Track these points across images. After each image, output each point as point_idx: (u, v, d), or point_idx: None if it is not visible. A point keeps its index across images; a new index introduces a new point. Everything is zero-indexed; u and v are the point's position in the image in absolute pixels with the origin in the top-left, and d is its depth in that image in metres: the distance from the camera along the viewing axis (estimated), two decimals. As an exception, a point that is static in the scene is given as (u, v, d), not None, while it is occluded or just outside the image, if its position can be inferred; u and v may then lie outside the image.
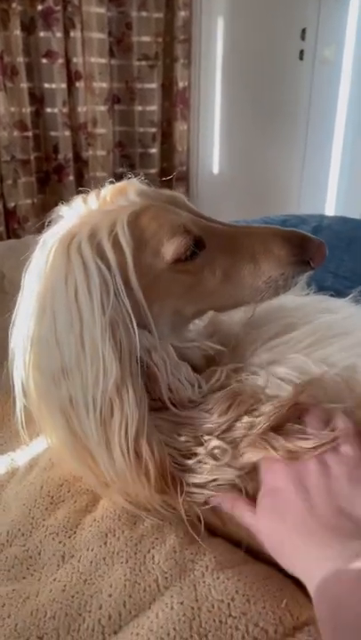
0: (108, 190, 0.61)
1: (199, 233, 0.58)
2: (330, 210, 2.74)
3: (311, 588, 0.46)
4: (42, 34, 2.78)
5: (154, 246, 0.56)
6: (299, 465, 0.52)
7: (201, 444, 0.56)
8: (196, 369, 0.62)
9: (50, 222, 0.62)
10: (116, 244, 0.55)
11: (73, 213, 0.60)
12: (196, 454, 0.56)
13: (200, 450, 0.56)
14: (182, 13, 3.12)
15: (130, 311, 0.54)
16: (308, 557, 0.47)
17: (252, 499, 0.54)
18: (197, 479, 0.55)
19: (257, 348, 0.64)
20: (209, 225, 0.60)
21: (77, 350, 0.54)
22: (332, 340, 0.64)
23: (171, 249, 0.56)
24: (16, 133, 2.82)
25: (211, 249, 0.58)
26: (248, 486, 0.55)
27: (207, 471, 0.55)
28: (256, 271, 0.59)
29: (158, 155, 3.34)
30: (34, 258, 0.61)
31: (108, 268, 0.55)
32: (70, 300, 0.54)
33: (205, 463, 0.55)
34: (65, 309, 0.55)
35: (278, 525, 0.50)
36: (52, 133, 2.96)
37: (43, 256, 0.59)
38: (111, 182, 0.63)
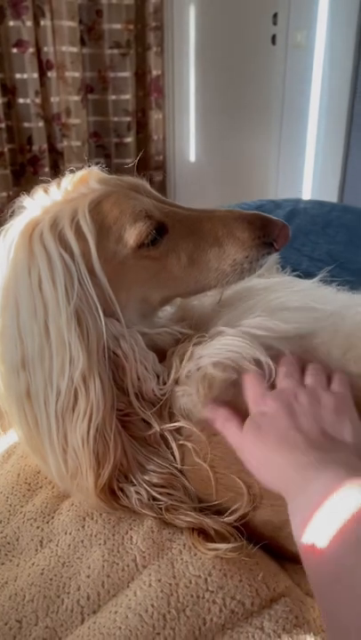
0: (69, 180, 0.61)
1: (161, 218, 0.58)
2: (306, 194, 2.75)
3: (290, 507, 0.47)
4: (11, 23, 2.73)
5: (116, 232, 0.56)
6: (288, 394, 0.54)
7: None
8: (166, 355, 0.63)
9: (12, 214, 0.62)
10: (79, 232, 0.55)
11: (35, 204, 0.60)
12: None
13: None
14: (153, 0, 3.08)
15: (95, 299, 0.54)
16: (287, 470, 0.49)
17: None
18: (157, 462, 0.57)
19: (220, 320, 0.64)
20: (171, 210, 0.60)
21: (41, 340, 0.54)
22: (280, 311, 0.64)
23: (133, 234, 0.56)
24: (-12, 126, 2.78)
25: (174, 234, 0.59)
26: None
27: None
28: (221, 254, 0.60)
29: (134, 144, 3.31)
30: None
31: (72, 256, 0.54)
32: (34, 290, 0.54)
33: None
34: (28, 300, 0.55)
35: (262, 442, 0.52)
36: (26, 124, 2.92)
37: (4, 248, 0.59)
38: (71, 171, 0.62)
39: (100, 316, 0.55)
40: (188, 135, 3.36)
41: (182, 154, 3.41)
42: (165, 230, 0.58)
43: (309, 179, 2.74)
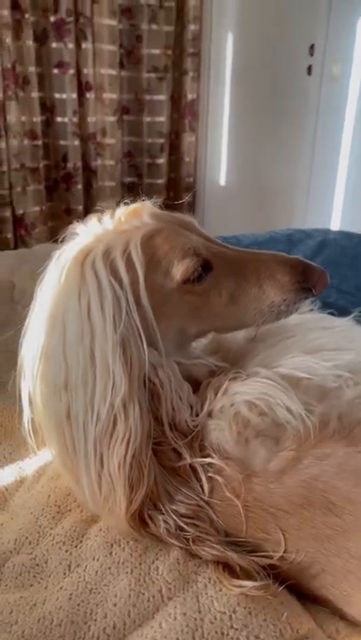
0: (123, 211, 0.63)
1: (208, 256, 0.60)
2: (335, 224, 2.76)
3: None
4: (54, 45, 2.82)
5: (165, 267, 0.58)
6: None
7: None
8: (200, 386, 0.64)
9: (63, 239, 0.64)
10: (130, 263, 0.57)
11: (87, 231, 0.62)
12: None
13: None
14: (192, 27, 3.16)
15: (140, 329, 0.56)
16: None
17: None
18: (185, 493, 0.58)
19: (256, 356, 0.65)
20: (217, 249, 0.62)
21: (86, 364, 0.56)
22: (317, 351, 0.65)
23: (180, 270, 0.58)
24: (26, 142, 2.85)
25: (218, 272, 0.61)
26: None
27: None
28: (260, 295, 0.61)
29: (166, 165, 3.37)
30: (47, 272, 0.63)
31: (121, 285, 0.57)
32: (83, 314, 0.56)
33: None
34: (77, 323, 0.56)
35: None
36: (62, 142, 2.99)
37: (56, 271, 0.61)
38: (126, 204, 0.65)
39: (143, 345, 0.56)
40: (219, 159, 3.40)
41: (213, 177, 3.45)
42: (210, 268, 0.60)
43: (339, 209, 2.75)
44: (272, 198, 3.14)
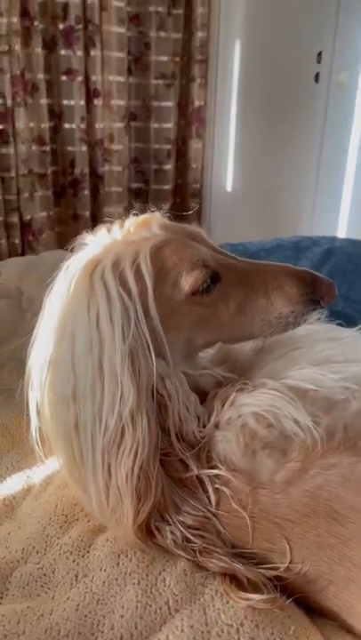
0: (132, 222, 0.63)
1: (216, 267, 0.60)
2: (342, 230, 2.76)
3: None
4: (62, 52, 2.84)
5: (173, 278, 0.59)
6: None
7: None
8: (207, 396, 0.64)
9: (72, 249, 0.65)
10: (139, 274, 0.58)
11: (97, 242, 0.63)
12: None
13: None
14: (200, 34, 3.17)
15: (149, 340, 0.56)
16: None
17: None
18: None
19: (263, 367, 0.66)
20: (226, 260, 0.63)
21: (94, 375, 0.56)
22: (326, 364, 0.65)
23: (189, 281, 0.58)
24: (34, 148, 2.87)
25: (226, 283, 0.61)
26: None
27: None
28: (268, 307, 0.62)
29: (173, 171, 3.38)
30: (56, 282, 0.63)
31: (130, 296, 0.57)
32: (92, 325, 0.57)
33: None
34: (85, 334, 0.57)
35: None
36: (70, 148, 3.01)
37: (65, 281, 0.61)
38: (135, 214, 0.65)
39: (151, 356, 0.57)
40: (225, 165, 3.41)
41: (219, 183, 3.45)
42: (218, 279, 0.60)
43: (345, 216, 2.74)
44: (279, 204, 3.14)
